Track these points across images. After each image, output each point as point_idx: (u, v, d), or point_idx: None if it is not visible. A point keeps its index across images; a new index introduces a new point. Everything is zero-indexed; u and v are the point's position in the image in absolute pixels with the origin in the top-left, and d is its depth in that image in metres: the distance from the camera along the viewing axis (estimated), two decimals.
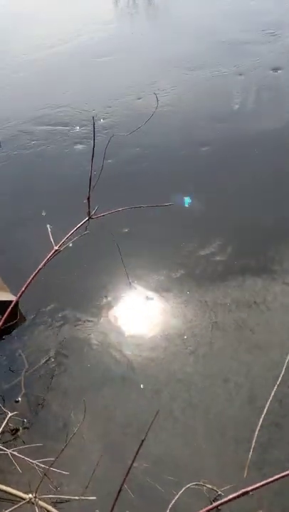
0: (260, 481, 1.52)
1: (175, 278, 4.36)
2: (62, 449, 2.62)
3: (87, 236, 2.42)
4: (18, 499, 2.63)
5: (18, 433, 3.32)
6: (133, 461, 1.47)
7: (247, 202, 5.14)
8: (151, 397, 3.49)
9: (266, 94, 6.94)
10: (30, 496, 2.43)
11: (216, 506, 1.37)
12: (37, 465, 2.76)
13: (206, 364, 3.66)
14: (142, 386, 3.56)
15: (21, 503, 2.42)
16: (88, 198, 2.09)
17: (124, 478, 1.52)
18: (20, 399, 3.56)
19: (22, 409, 3.45)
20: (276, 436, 3.14)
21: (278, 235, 4.68)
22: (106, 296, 4.30)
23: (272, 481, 1.36)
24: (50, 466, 2.51)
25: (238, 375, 3.55)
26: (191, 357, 3.71)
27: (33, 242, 4.85)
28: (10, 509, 2.33)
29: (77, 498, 2.67)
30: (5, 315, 2.23)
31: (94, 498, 2.63)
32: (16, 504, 2.45)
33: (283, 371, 1.64)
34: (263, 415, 1.43)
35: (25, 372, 3.71)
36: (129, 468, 1.49)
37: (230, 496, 1.38)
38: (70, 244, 2.22)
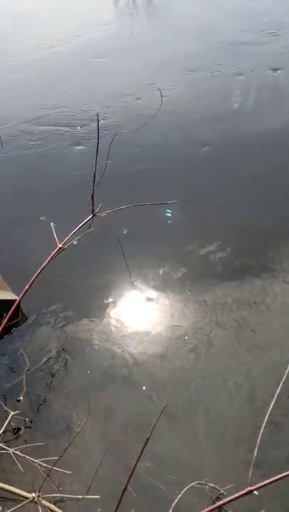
0: (260, 481, 1.53)
1: (176, 278, 4.37)
2: (66, 448, 2.62)
3: (88, 235, 2.42)
4: (21, 498, 2.63)
5: (20, 432, 3.32)
6: (138, 460, 1.47)
7: (247, 202, 5.15)
8: (152, 397, 3.49)
9: (266, 95, 6.95)
10: (34, 495, 2.43)
11: (222, 505, 1.37)
12: (39, 464, 2.76)
13: (206, 364, 3.66)
14: (143, 386, 3.57)
15: (25, 502, 2.42)
16: (92, 196, 2.09)
17: (129, 478, 1.53)
18: (21, 398, 3.56)
19: (24, 409, 3.45)
20: (276, 437, 3.15)
21: (278, 235, 4.69)
22: (108, 296, 4.30)
23: (277, 480, 1.36)
24: (54, 466, 2.51)
25: (238, 374, 3.56)
26: (192, 357, 3.72)
27: (33, 242, 4.86)
28: (13, 508, 2.33)
29: (80, 497, 2.68)
30: (9, 314, 2.23)
31: (98, 496, 2.63)
32: (19, 503, 2.45)
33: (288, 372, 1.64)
34: (267, 414, 1.44)
35: (27, 371, 3.72)
36: (134, 468, 1.50)
37: (236, 495, 1.38)
38: (75, 242, 2.22)
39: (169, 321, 4.03)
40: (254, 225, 4.82)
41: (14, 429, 3.32)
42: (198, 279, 4.34)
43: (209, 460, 3.10)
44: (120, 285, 4.37)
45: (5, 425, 3.09)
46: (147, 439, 1.47)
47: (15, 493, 2.78)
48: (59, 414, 3.45)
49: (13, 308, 2.27)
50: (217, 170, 5.66)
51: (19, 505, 2.35)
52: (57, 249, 2.14)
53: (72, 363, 3.80)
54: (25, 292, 2.18)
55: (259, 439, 1.36)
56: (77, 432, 2.94)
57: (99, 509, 2.86)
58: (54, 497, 2.79)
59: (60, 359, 3.83)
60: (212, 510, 1.46)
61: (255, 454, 1.35)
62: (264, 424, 1.40)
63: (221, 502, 1.33)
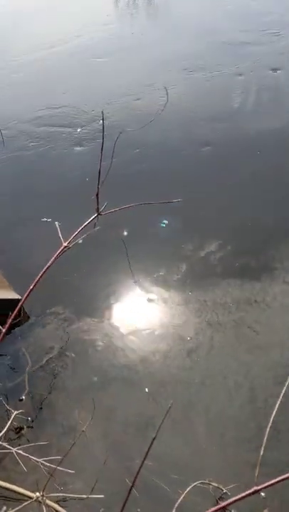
0: (265, 481, 1.53)
1: (177, 278, 4.37)
2: (70, 448, 2.63)
3: (88, 235, 2.42)
4: (25, 498, 2.64)
5: (23, 431, 3.33)
6: (144, 460, 1.47)
7: (247, 202, 5.16)
8: (153, 397, 3.49)
9: (266, 94, 6.96)
10: (38, 494, 2.43)
11: (229, 504, 1.37)
12: (42, 463, 2.76)
13: (207, 364, 3.67)
14: (143, 385, 3.57)
15: (29, 502, 2.42)
16: (97, 194, 2.09)
17: (135, 478, 1.53)
18: (24, 397, 3.56)
19: (26, 408, 3.45)
20: (276, 437, 3.15)
21: (278, 235, 4.70)
22: (109, 296, 4.31)
23: (283, 479, 1.37)
24: (58, 465, 2.51)
25: (238, 374, 3.56)
26: (193, 357, 3.72)
27: (33, 242, 4.87)
28: (17, 508, 2.33)
29: (85, 496, 2.68)
30: (14, 312, 2.23)
31: (102, 496, 2.63)
32: (23, 503, 2.45)
33: None
34: (273, 413, 1.44)
35: (29, 370, 3.72)
36: (140, 468, 1.50)
37: (242, 494, 1.38)
38: (80, 241, 2.21)
39: (170, 321, 4.03)
40: (254, 225, 4.83)
41: (16, 429, 3.33)
42: (198, 279, 4.35)
43: (210, 460, 3.11)
44: (122, 285, 4.38)
45: (8, 425, 3.10)
46: (153, 439, 1.48)
47: (19, 493, 2.78)
48: (61, 414, 3.46)
49: (18, 307, 2.27)
50: (217, 170, 5.67)
51: (24, 504, 2.35)
52: (62, 248, 2.14)
53: (73, 362, 3.81)
54: (30, 291, 2.18)
55: (265, 437, 1.36)
56: (82, 431, 2.94)
57: (102, 509, 2.87)
58: (57, 496, 2.79)
59: (62, 358, 3.83)
60: (218, 510, 1.46)
61: (262, 453, 1.35)
62: (270, 424, 1.40)
63: (228, 501, 1.33)
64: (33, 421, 3.42)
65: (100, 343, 3.92)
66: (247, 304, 4.07)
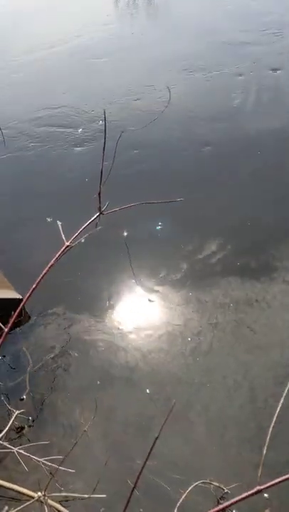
0: (268, 481, 1.53)
1: (177, 278, 4.37)
2: (72, 448, 2.63)
3: (90, 235, 2.42)
4: (27, 498, 2.63)
5: (24, 431, 3.33)
6: (146, 460, 1.47)
7: (247, 201, 5.16)
8: (153, 397, 3.50)
9: (266, 94, 6.96)
10: (40, 494, 2.43)
11: (232, 504, 1.37)
12: (43, 463, 2.76)
13: (207, 364, 3.67)
14: (144, 385, 3.57)
15: (31, 502, 2.42)
16: (99, 194, 2.09)
17: (137, 479, 1.53)
18: (25, 397, 3.56)
19: (27, 407, 3.45)
20: (276, 437, 3.15)
21: (278, 235, 4.70)
22: (110, 296, 4.31)
23: (286, 479, 1.37)
24: (60, 465, 2.51)
25: (238, 374, 3.56)
26: (193, 357, 3.72)
27: (33, 242, 4.87)
28: (19, 508, 2.33)
29: (86, 496, 2.68)
30: (16, 312, 2.23)
31: (104, 495, 2.63)
32: (24, 503, 2.45)
33: None
34: (276, 414, 1.44)
35: (30, 370, 3.72)
36: (142, 468, 1.50)
37: (245, 494, 1.39)
38: (82, 240, 2.21)
39: (170, 321, 4.03)
40: (254, 225, 4.83)
41: (18, 428, 3.33)
42: (198, 278, 4.35)
43: (210, 460, 3.11)
44: (122, 285, 4.38)
45: (9, 424, 3.10)
46: (156, 438, 1.48)
47: (20, 493, 2.78)
48: (62, 414, 3.46)
49: (20, 307, 2.28)
50: (217, 170, 5.67)
51: (26, 504, 2.35)
52: (64, 247, 2.14)
53: (74, 362, 3.81)
54: (32, 291, 2.19)
55: (268, 437, 1.37)
56: (84, 431, 2.95)
57: (102, 508, 2.87)
58: (59, 496, 2.79)
59: (63, 358, 3.83)
60: (220, 510, 1.46)
61: (264, 452, 1.35)
62: (272, 424, 1.40)
63: (231, 501, 1.33)
64: (34, 420, 3.42)
65: (101, 343, 3.92)
66: (247, 303, 4.07)
